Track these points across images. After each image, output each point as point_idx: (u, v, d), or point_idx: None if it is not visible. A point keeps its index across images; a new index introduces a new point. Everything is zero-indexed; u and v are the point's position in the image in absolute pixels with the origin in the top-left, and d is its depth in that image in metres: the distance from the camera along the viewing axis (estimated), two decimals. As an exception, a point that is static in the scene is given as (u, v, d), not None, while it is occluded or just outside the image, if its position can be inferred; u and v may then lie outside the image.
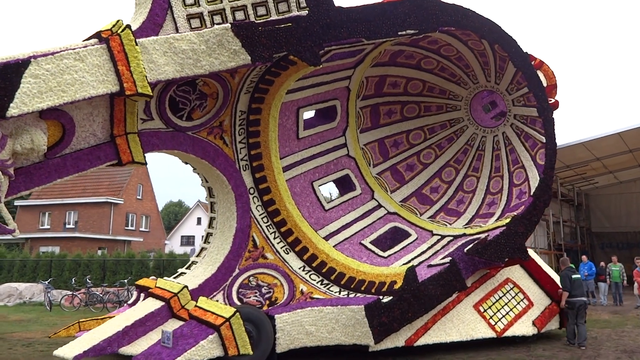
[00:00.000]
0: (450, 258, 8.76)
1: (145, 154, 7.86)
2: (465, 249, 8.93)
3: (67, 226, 35.48)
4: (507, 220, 9.59)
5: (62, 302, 18.29)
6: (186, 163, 9.52)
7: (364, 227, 10.71)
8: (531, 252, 11.39)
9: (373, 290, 8.49)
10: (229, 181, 9.12)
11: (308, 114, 11.31)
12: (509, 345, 9.70)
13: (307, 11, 7.91)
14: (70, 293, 18.88)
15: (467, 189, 11.84)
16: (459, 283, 8.66)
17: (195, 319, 7.51)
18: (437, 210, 11.58)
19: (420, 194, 11.91)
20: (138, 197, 39.17)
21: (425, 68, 11.59)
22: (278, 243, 9.52)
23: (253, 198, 9.49)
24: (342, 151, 11.22)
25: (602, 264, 19.12)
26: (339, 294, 8.79)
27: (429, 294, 8.29)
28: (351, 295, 8.61)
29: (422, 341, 8.50)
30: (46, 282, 19.45)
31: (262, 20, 7.81)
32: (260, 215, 9.51)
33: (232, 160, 9.17)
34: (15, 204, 37.07)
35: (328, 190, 59.53)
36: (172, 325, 7.80)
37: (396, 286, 8.20)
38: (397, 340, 8.21)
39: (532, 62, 11.45)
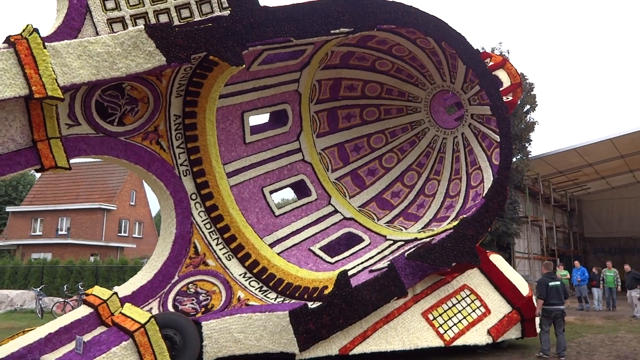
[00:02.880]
0: (388, 262, 8.41)
1: (73, 159, 7.87)
2: (406, 254, 8.57)
3: (60, 232, 35.21)
4: (455, 223, 9.21)
5: (54, 309, 18.11)
6: None
7: (316, 233, 10.45)
8: (496, 257, 10.97)
9: (305, 296, 8.21)
10: (166, 187, 9.00)
11: (263, 119, 11.21)
12: (482, 357, 9.31)
13: (229, 11, 7.81)
14: (62, 300, 18.76)
15: (429, 192, 11.49)
16: (398, 288, 8.29)
17: (117, 326, 7.37)
18: (396, 215, 11.24)
19: (381, 199, 11.60)
20: (131, 203, 38.85)
21: (381, 70, 11.35)
22: (220, 249, 9.34)
23: (195, 204, 9.35)
24: (297, 156, 11.02)
25: (595, 269, 18.48)
26: (275, 300, 8.54)
27: (363, 300, 7.94)
28: (286, 302, 8.35)
29: (358, 349, 8.13)
30: (38, 289, 19.43)
31: (182, 22, 7.74)
32: (202, 221, 9.35)
33: (170, 166, 9.06)
34: (7, 210, 37.47)
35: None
36: (98, 332, 7.67)
37: (327, 291, 7.91)
38: (329, 348, 7.88)
39: (492, 60, 11.15)
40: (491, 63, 11.24)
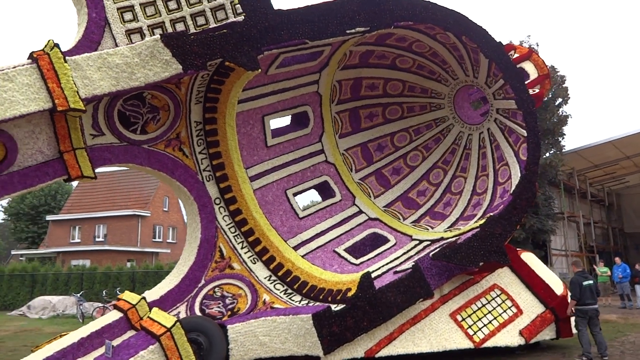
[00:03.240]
0: (413, 263, 8.25)
1: (99, 168, 8.10)
2: (431, 254, 8.39)
3: (97, 239, 36.40)
4: (482, 222, 8.95)
5: (94, 314, 18.51)
6: None
7: (341, 234, 10.38)
8: (528, 255, 10.62)
9: (330, 299, 8.15)
10: (190, 192, 9.13)
11: (284, 122, 11.22)
12: (520, 357, 9.07)
13: (244, 17, 7.85)
14: (102, 305, 19.28)
15: (455, 190, 11.23)
16: (423, 289, 8.12)
17: (145, 330, 7.51)
18: (422, 214, 11.04)
19: (406, 198, 11.41)
20: (164, 209, 39.68)
21: (402, 67, 11.18)
22: (245, 253, 9.40)
23: (219, 208, 9.44)
24: (320, 157, 10.98)
25: (638, 266, 17.67)
26: (300, 303, 8.52)
27: (387, 302, 7.82)
28: (310, 304, 8.31)
29: (385, 352, 8.00)
30: (78, 294, 20.11)
31: (198, 30, 7.83)
32: (227, 225, 9.44)
33: (194, 171, 9.18)
34: (47, 218, 39.06)
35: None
36: (127, 336, 7.84)
37: (350, 293, 7.82)
38: (354, 350, 7.78)
39: (517, 52, 10.82)
40: (516, 55, 10.90)
